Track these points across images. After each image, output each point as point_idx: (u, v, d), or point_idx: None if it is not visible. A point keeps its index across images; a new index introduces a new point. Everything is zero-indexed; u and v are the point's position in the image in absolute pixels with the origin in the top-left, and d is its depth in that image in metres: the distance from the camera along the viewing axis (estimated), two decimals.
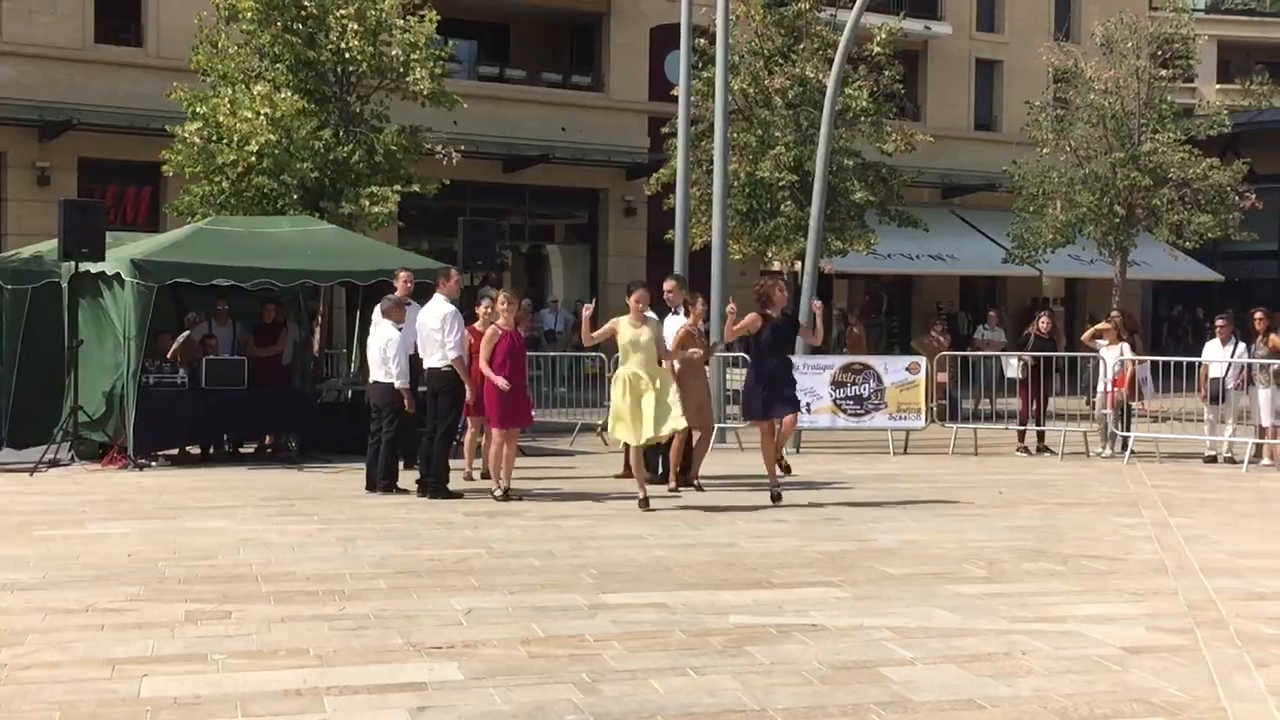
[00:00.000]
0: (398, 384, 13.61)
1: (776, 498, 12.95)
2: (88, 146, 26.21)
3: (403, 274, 14.78)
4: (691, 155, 21.45)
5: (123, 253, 16.33)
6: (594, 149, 31.28)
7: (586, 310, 13.33)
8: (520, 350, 13.37)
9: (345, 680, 6.70)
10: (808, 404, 18.74)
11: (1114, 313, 19.86)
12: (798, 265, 23.41)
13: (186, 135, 20.18)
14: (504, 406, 13.17)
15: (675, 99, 21.21)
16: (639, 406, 12.56)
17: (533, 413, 14.27)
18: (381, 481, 13.74)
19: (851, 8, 20.61)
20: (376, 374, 13.83)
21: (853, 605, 8.59)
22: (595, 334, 12.96)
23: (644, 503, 12.59)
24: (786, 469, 13.72)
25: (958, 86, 37.68)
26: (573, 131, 31.28)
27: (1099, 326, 19.40)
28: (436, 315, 13.46)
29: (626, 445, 12.99)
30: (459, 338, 13.43)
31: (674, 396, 12.69)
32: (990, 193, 34.48)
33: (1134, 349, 18.83)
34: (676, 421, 12.70)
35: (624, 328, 12.79)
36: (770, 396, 12.88)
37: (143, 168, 25.00)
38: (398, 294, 14.29)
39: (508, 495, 13.21)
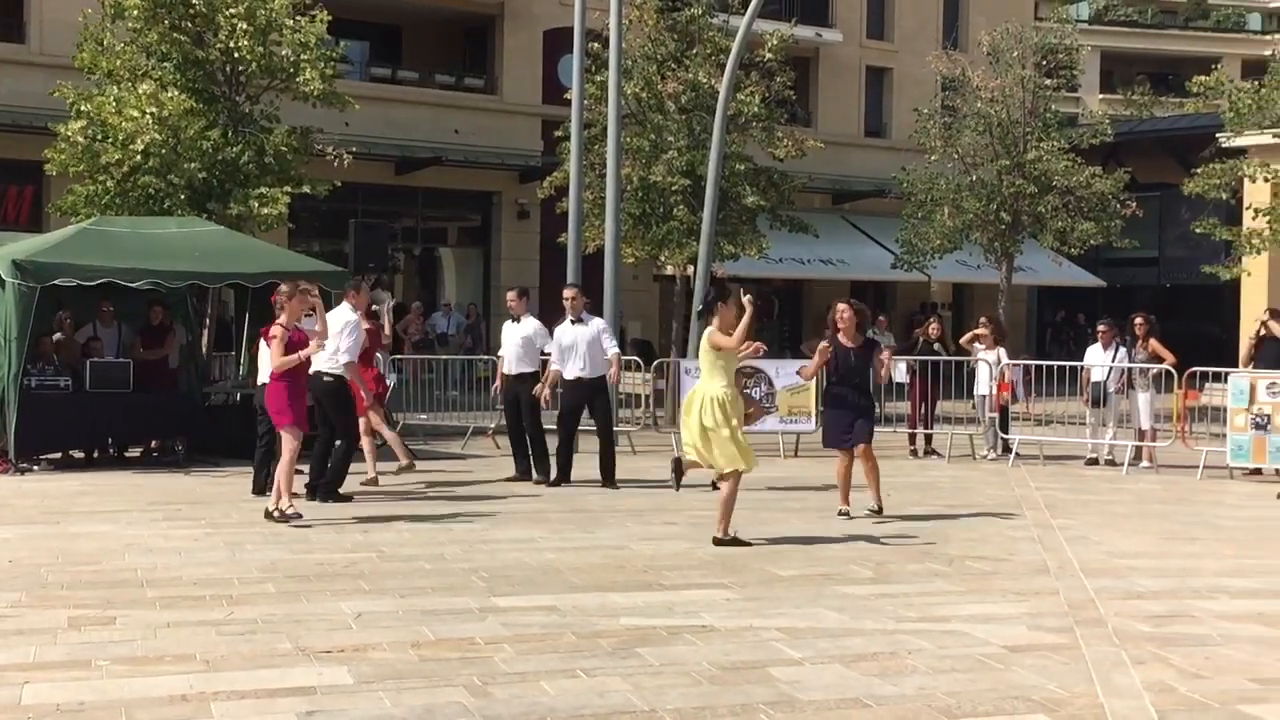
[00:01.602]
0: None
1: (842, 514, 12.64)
2: None
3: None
4: (585, 159, 21.46)
5: (3, 253, 15.99)
6: (487, 152, 31.20)
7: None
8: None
9: (233, 685, 6.65)
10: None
11: (983, 319, 20.17)
12: (690, 269, 23.51)
13: (70, 134, 19.81)
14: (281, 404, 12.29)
15: (568, 102, 21.22)
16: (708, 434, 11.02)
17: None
18: (270, 485, 13.60)
19: (744, 14, 20.75)
20: (266, 377, 13.69)
21: (742, 606, 8.68)
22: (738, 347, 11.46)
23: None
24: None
25: (848, 93, 38.10)
26: (465, 134, 31.18)
27: (976, 331, 19.73)
28: (337, 322, 13.43)
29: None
30: (353, 343, 13.42)
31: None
32: (880, 199, 34.88)
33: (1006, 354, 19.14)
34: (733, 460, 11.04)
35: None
36: (832, 424, 12.97)
37: (25, 166, 24.47)
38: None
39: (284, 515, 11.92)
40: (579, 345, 14.77)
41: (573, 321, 14.86)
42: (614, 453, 15.32)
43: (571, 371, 14.82)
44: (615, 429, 16.99)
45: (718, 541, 10.94)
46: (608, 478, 14.91)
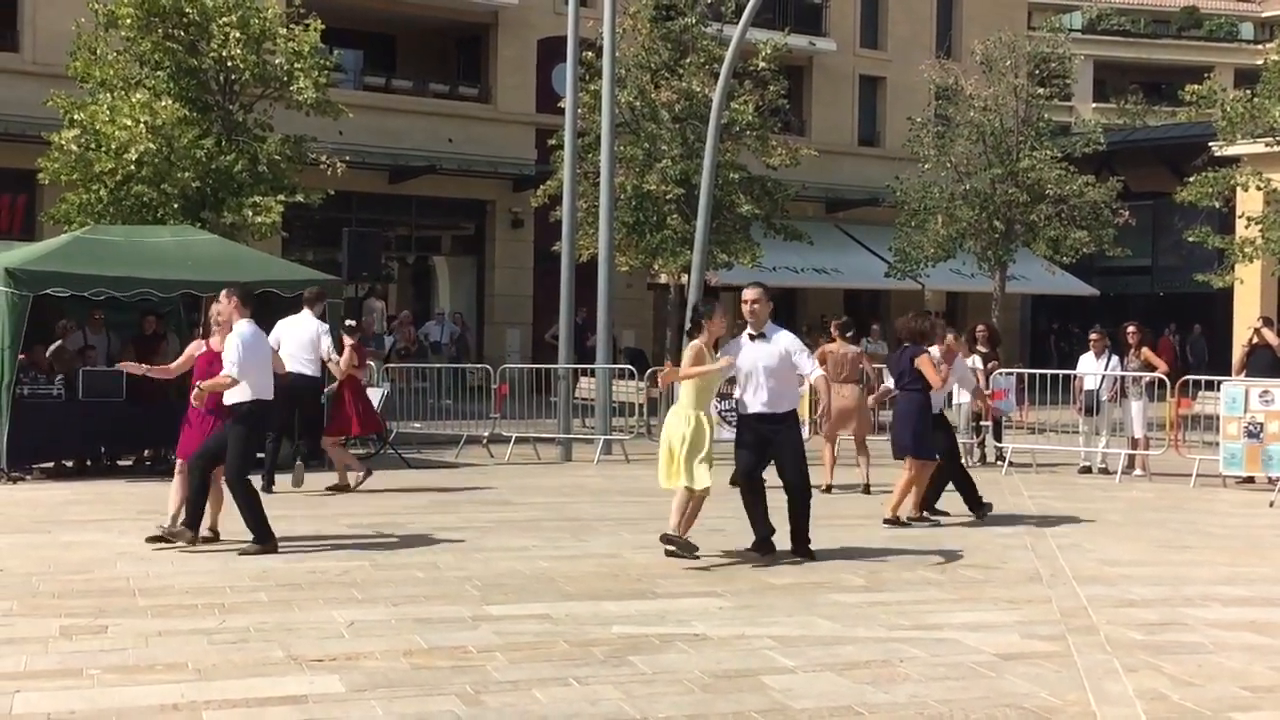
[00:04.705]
0: None
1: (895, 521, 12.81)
2: None
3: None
4: (578, 168, 21.50)
5: None
6: (481, 160, 31.20)
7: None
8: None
9: (224, 694, 6.64)
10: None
11: (979, 326, 20.14)
12: (684, 278, 23.54)
13: (64, 142, 19.82)
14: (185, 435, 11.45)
15: (562, 111, 21.25)
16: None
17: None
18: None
19: (737, 23, 20.78)
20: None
21: (735, 614, 8.67)
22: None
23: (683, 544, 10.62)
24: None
25: (842, 102, 38.14)
26: (459, 143, 31.19)
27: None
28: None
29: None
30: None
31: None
32: (873, 207, 34.90)
33: (990, 360, 19.10)
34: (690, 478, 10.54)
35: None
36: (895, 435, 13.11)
37: (18, 175, 24.46)
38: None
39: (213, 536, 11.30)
40: (758, 367, 10.82)
41: (752, 337, 10.91)
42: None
43: (754, 405, 10.83)
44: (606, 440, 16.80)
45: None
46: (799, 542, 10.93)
